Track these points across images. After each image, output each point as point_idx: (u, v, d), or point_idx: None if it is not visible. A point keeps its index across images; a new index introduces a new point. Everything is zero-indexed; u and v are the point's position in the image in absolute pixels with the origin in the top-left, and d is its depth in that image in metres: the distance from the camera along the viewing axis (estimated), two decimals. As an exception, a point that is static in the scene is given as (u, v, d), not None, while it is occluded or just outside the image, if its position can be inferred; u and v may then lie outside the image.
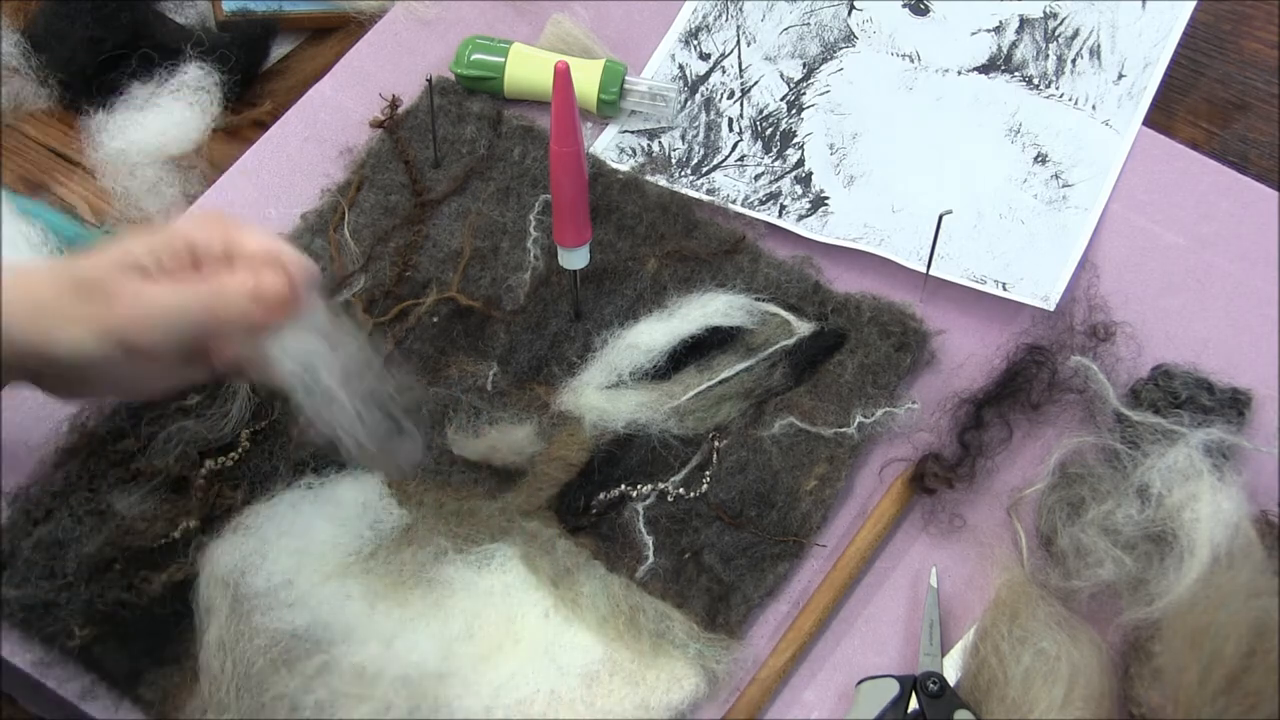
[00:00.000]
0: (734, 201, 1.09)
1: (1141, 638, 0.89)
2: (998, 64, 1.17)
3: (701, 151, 1.12)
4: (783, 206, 1.09)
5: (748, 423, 0.99)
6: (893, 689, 0.89)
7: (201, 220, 0.86)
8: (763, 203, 1.09)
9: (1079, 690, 0.86)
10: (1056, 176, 1.12)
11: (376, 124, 1.12)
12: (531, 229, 1.07)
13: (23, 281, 0.83)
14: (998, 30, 1.19)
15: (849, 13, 1.20)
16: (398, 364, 0.94)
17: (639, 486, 0.97)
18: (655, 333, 1.00)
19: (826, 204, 1.10)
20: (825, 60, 1.17)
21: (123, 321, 0.81)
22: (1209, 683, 0.84)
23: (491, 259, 1.06)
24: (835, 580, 0.94)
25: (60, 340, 0.81)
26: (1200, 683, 0.84)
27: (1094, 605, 0.92)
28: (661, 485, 0.97)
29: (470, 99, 1.13)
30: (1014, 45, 1.18)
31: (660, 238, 1.07)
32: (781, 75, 1.17)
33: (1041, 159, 1.12)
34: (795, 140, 1.13)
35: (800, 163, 1.12)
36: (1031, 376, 1.00)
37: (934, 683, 0.89)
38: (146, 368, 0.84)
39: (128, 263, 0.83)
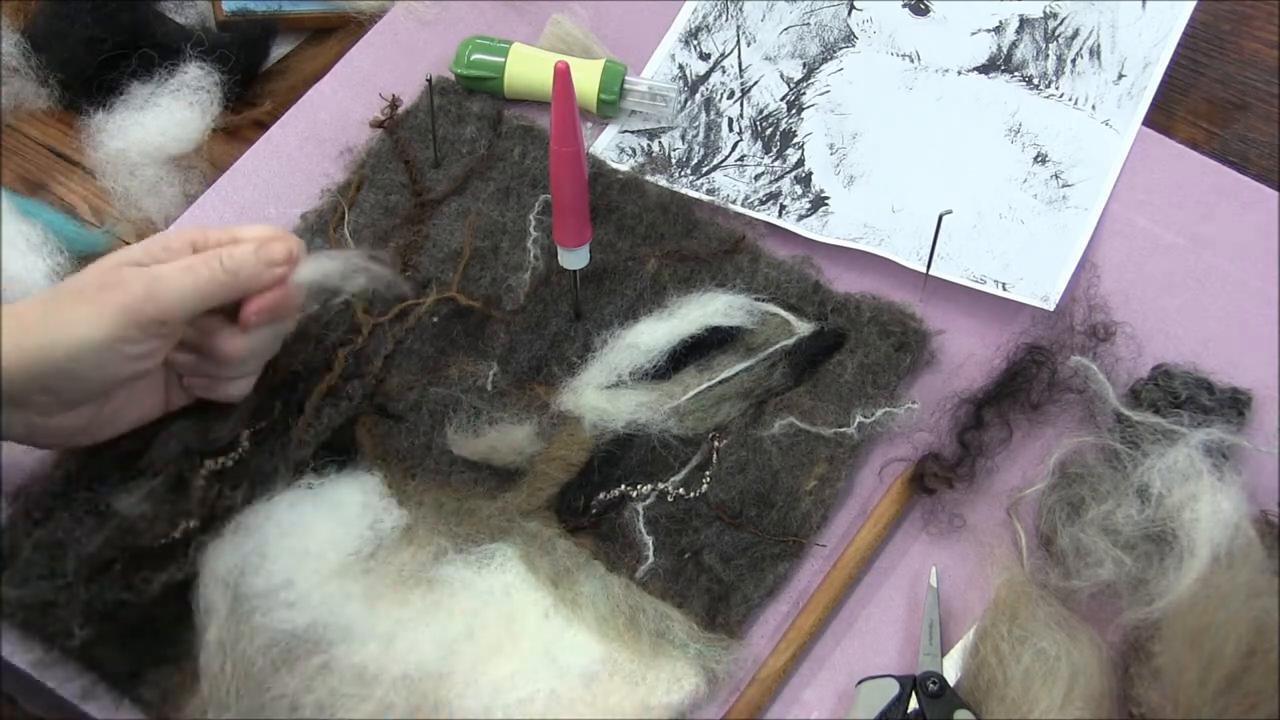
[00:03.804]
0: (734, 201, 1.09)
1: (1141, 638, 0.89)
2: (998, 64, 1.17)
3: (701, 151, 1.12)
4: (783, 206, 1.09)
5: (748, 423, 0.99)
6: (893, 689, 0.89)
7: (193, 226, 0.92)
8: (763, 203, 1.09)
9: (1079, 690, 0.86)
10: (1056, 176, 1.11)
11: (376, 124, 1.12)
12: (531, 229, 1.07)
13: (23, 303, 0.86)
14: (998, 30, 1.19)
15: (849, 13, 1.20)
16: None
17: (639, 486, 0.97)
18: (655, 333, 1.00)
19: (826, 204, 1.10)
20: (825, 60, 1.17)
21: (138, 298, 0.85)
22: (1209, 683, 0.84)
23: (491, 259, 1.06)
24: (835, 580, 0.94)
25: (73, 332, 0.84)
26: (1200, 683, 0.84)
27: (1094, 605, 0.92)
28: (661, 485, 0.97)
29: (470, 99, 1.13)
30: (1014, 45, 1.18)
31: (660, 238, 1.07)
32: (781, 75, 1.17)
33: (1041, 159, 1.12)
34: (795, 140, 1.13)
35: (800, 163, 1.12)
36: (1031, 376, 1.00)
37: (934, 683, 0.89)
38: (137, 368, 0.87)
39: (126, 260, 0.87)
